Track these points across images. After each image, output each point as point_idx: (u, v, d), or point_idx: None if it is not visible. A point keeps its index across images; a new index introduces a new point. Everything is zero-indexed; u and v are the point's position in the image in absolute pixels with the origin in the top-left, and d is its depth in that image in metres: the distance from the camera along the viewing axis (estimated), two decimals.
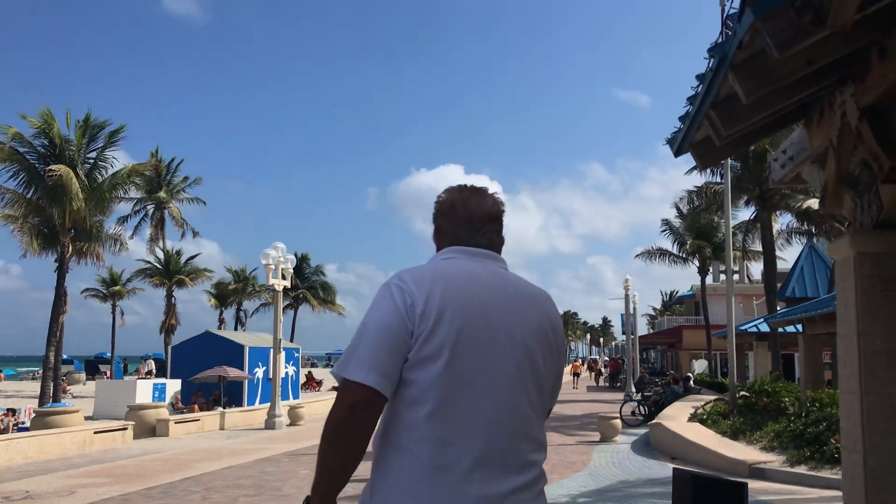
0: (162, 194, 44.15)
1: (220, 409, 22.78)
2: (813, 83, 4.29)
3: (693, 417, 16.86)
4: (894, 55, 3.65)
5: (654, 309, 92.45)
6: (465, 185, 2.37)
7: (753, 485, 10.36)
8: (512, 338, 2.03)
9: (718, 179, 26.51)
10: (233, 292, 54.82)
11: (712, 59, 3.81)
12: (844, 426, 4.27)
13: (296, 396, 29.77)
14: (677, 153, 5.35)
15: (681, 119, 4.87)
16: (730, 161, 17.70)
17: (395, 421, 1.94)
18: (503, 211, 2.37)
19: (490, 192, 2.37)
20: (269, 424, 20.48)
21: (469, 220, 2.24)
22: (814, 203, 23.23)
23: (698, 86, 4.24)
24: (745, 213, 29.99)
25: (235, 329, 52.88)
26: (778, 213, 26.31)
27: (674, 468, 4.67)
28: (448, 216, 2.28)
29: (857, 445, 4.08)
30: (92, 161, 27.03)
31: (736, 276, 36.28)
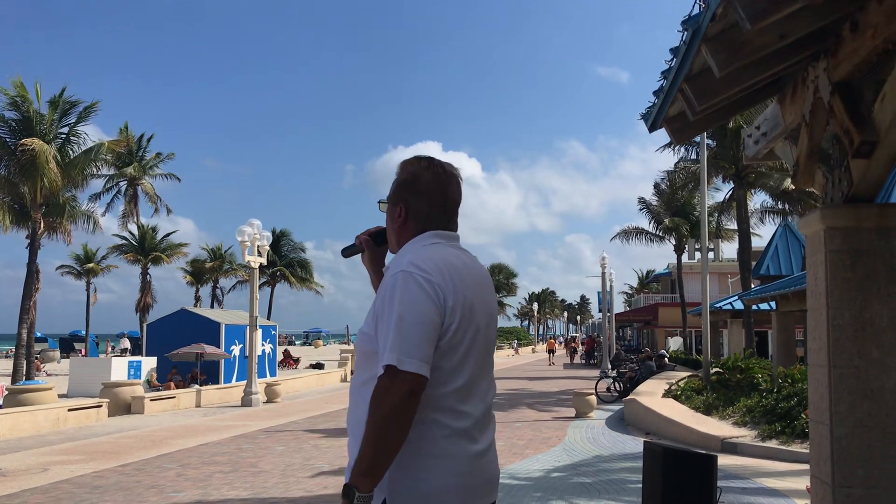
0: (131, 170, 43.53)
1: (197, 386, 22.69)
2: (786, 58, 4.29)
3: (667, 393, 17.03)
4: (865, 29, 3.66)
5: (631, 287, 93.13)
6: (436, 164, 2.42)
7: (725, 459, 10.52)
8: (491, 318, 2.32)
9: (695, 157, 26.64)
10: (209, 270, 54.41)
11: (686, 32, 3.80)
12: (812, 398, 4.33)
13: (273, 374, 29.70)
14: (651, 128, 5.35)
15: (655, 94, 4.87)
16: (706, 139, 17.77)
17: (423, 397, 2.10)
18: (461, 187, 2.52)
19: (454, 168, 2.45)
20: (246, 402, 20.44)
21: (444, 206, 2.36)
22: (790, 182, 23.40)
23: (672, 59, 4.23)
24: (722, 193, 30.21)
25: (212, 307, 52.59)
26: (753, 191, 26.49)
27: (644, 441, 4.71)
28: (424, 198, 2.34)
29: (824, 417, 4.13)
30: (64, 136, 26.62)
31: (711, 255, 36.57)
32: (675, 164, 28.05)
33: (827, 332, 4.09)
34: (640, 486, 8.81)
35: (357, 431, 2.15)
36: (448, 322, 2.13)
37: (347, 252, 2.76)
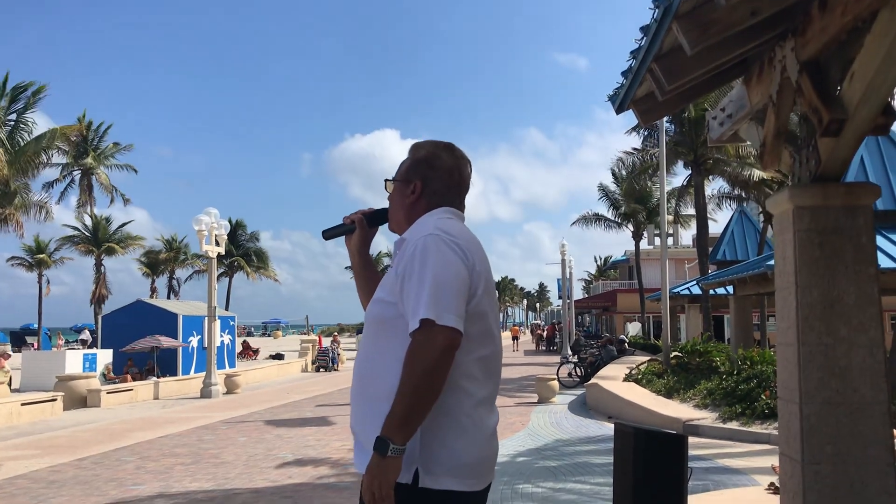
0: (89, 160, 42.61)
1: (154, 378, 22.32)
2: (754, 37, 4.29)
3: (628, 378, 17.20)
4: (834, 7, 3.65)
5: (589, 274, 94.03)
6: (453, 147, 2.54)
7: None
8: (495, 290, 2.42)
9: (655, 143, 26.87)
10: (164, 260, 53.57)
11: (657, 10, 3.76)
12: (781, 377, 4.35)
13: (232, 365, 29.35)
14: (619, 110, 5.32)
15: (623, 74, 4.84)
16: (665, 124, 17.90)
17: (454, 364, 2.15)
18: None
19: (463, 155, 2.57)
20: (205, 393, 20.17)
21: (460, 188, 2.49)
22: (753, 173, 23.73)
23: (642, 38, 4.20)
24: (680, 179, 30.53)
25: (168, 298, 51.78)
26: (710, 177, 26.81)
27: (615, 423, 4.71)
28: (442, 176, 2.45)
29: (793, 396, 4.15)
30: (13, 123, 25.87)
31: (670, 241, 37.02)
32: (638, 149, 28.23)
33: (796, 310, 4.11)
34: (605, 468, 8.90)
35: (364, 407, 2.20)
36: (475, 286, 2.19)
37: (330, 233, 2.70)
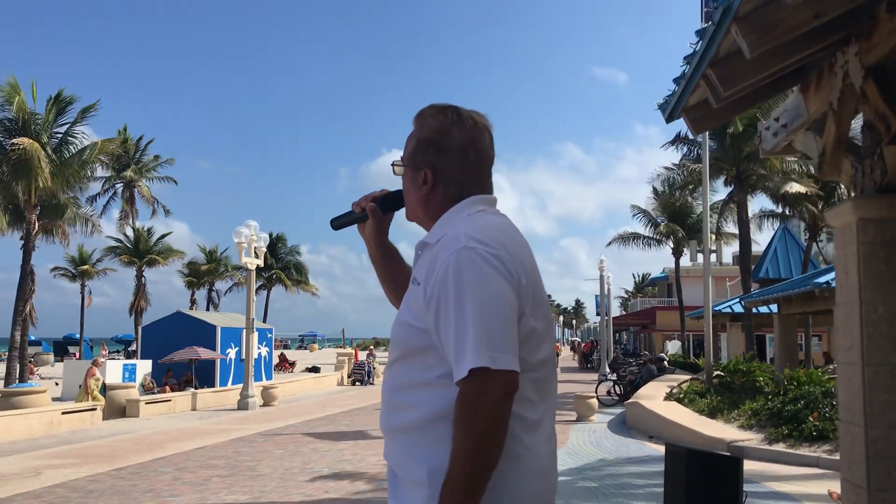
0: (130, 173, 43.30)
1: (192, 389, 22.44)
2: (815, 42, 4.11)
3: (669, 397, 16.85)
4: None
5: (626, 291, 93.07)
6: (465, 115, 1.99)
7: None
8: (545, 297, 1.96)
9: (696, 157, 26.48)
10: (205, 272, 54.15)
11: (716, 11, 3.61)
12: (843, 399, 4.13)
13: (269, 377, 29.44)
14: (669, 118, 5.16)
15: (675, 80, 4.68)
16: (707, 139, 17.61)
17: None
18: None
19: (482, 117, 2.03)
20: (242, 405, 20.19)
21: (481, 166, 1.98)
22: (792, 186, 23.25)
23: (697, 42, 4.05)
24: (720, 195, 30.06)
25: (207, 310, 52.30)
26: (753, 194, 26.33)
27: (666, 444, 4.52)
28: (456, 159, 1.95)
29: (857, 418, 3.94)
30: (60, 136, 26.33)
31: (713, 257, 36.34)
32: (678, 163, 27.85)
33: (860, 328, 3.91)
34: (648, 489, 8.64)
35: (395, 440, 1.89)
36: (523, 303, 1.79)
37: (339, 222, 2.32)
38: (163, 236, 48.01)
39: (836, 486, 8.39)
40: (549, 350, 1.93)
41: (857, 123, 4.79)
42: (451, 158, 1.95)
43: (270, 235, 50.38)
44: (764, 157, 5.94)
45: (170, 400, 19.98)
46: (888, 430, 3.81)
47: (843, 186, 24.81)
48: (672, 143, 27.01)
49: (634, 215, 37.82)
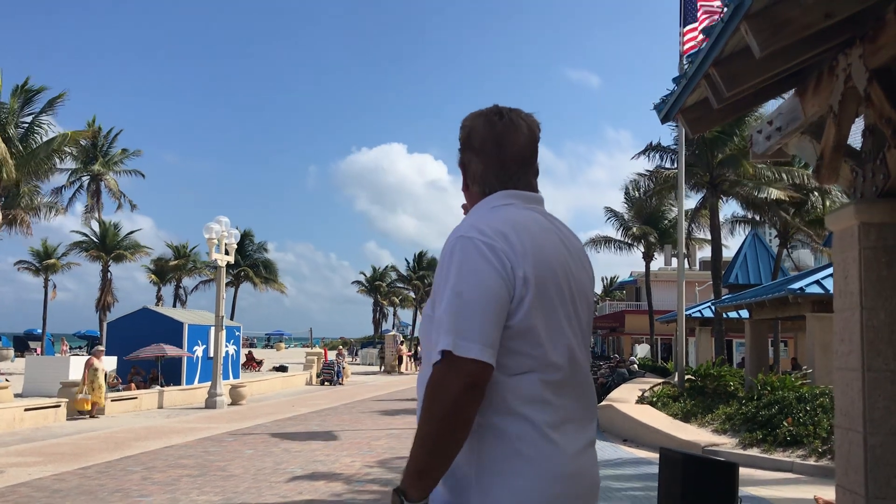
0: (97, 166, 42.53)
1: (159, 387, 22.05)
2: (819, 43, 4.06)
3: (641, 400, 16.87)
4: None
5: (595, 294, 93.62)
6: (493, 111, 2.02)
7: None
8: (583, 296, 1.94)
9: (668, 165, 26.64)
10: (172, 268, 53.43)
11: (726, 8, 3.54)
12: (840, 404, 4.09)
13: (236, 376, 29.04)
14: (665, 119, 5.10)
15: (675, 80, 4.62)
16: (683, 144, 17.68)
17: (499, 388, 1.77)
18: (538, 138, 2.05)
19: (523, 114, 2.02)
20: (210, 403, 19.89)
21: (503, 162, 1.97)
22: (770, 192, 23.45)
23: (702, 41, 3.98)
24: (691, 202, 30.28)
25: (174, 306, 51.59)
26: (724, 200, 26.53)
27: (661, 449, 4.45)
28: (479, 155, 1.99)
29: (855, 424, 3.90)
30: (27, 126, 25.72)
31: (685, 262, 36.61)
32: (648, 170, 27.99)
33: (860, 333, 3.86)
34: (627, 493, 8.60)
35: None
36: (520, 295, 1.75)
37: None
38: (131, 232, 47.33)
39: (812, 491, 8.42)
40: (573, 352, 1.87)
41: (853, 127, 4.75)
42: (474, 155, 1.99)
43: (238, 231, 49.85)
44: (755, 160, 5.89)
45: (136, 398, 19.60)
46: (888, 437, 3.77)
47: (816, 194, 25.14)
48: (643, 152, 27.11)
49: (608, 218, 37.96)
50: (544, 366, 1.79)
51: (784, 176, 23.84)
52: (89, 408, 17.12)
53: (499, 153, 1.96)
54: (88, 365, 17.66)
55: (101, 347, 19.27)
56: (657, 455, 10.17)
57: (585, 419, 1.90)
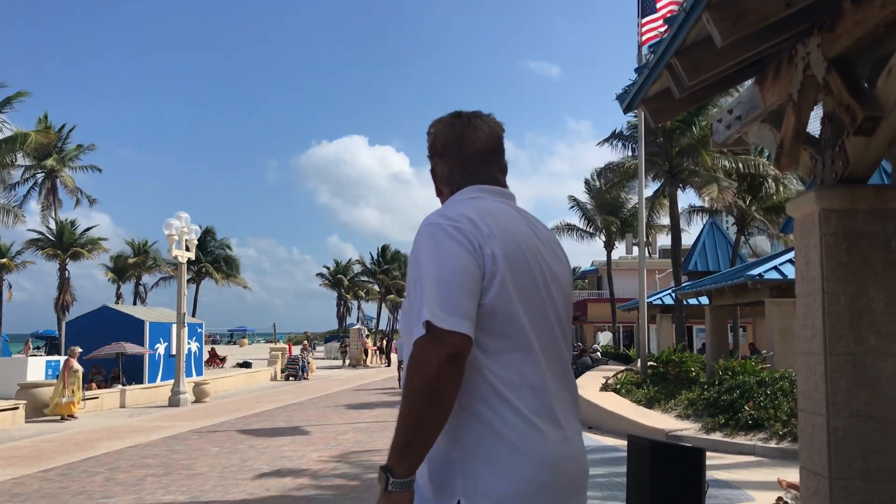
0: (52, 162, 41.60)
1: (120, 386, 21.72)
2: (778, 33, 4.11)
3: (605, 387, 17.05)
4: (872, 0, 3.49)
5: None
6: (454, 115, 2.09)
7: None
8: (556, 281, 1.96)
9: (630, 154, 26.87)
10: (132, 266, 52.60)
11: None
12: (804, 388, 4.16)
13: (199, 373, 28.69)
14: (628, 108, 5.14)
15: (637, 70, 4.65)
16: (643, 134, 17.85)
17: (482, 372, 1.78)
18: (502, 137, 2.12)
19: (484, 116, 2.09)
20: (174, 402, 19.65)
21: (466, 160, 2.04)
22: (726, 194, 23.82)
23: (665, 30, 4.00)
24: (652, 190, 30.60)
25: (134, 304, 50.81)
26: (683, 189, 26.87)
27: (629, 436, 4.49)
28: (444, 158, 2.06)
29: (818, 408, 3.97)
30: None
31: (637, 250, 37.05)
32: (610, 162, 28.25)
33: (822, 318, 3.93)
34: (593, 479, 8.68)
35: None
36: (490, 272, 1.78)
37: None
38: (88, 229, 46.41)
39: (774, 474, 8.57)
40: (553, 336, 1.91)
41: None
42: (440, 159, 2.07)
43: (199, 227, 49.26)
44: (715, 148, 5.96)
45: (97, 397, 19.27)
46: (850, 420, 3.85)
47: (770, 181, 25.57)
48: (608, 139, 27.35)
49: (571, 207, 38.28)
50: (526, 347, 1.82)
51: (741, 166, 24.20)
52: (75, 409, 16.77)
53: (461, 152, 2.03)
54: (67, 367, 17.30)
55: (78, 348, 18.83)
56: (622, 442, 10.27)
57: (570, 405, 1.93)
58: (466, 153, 2.03)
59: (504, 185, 2.08)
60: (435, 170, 2.10)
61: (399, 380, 26.88)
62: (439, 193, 2.12)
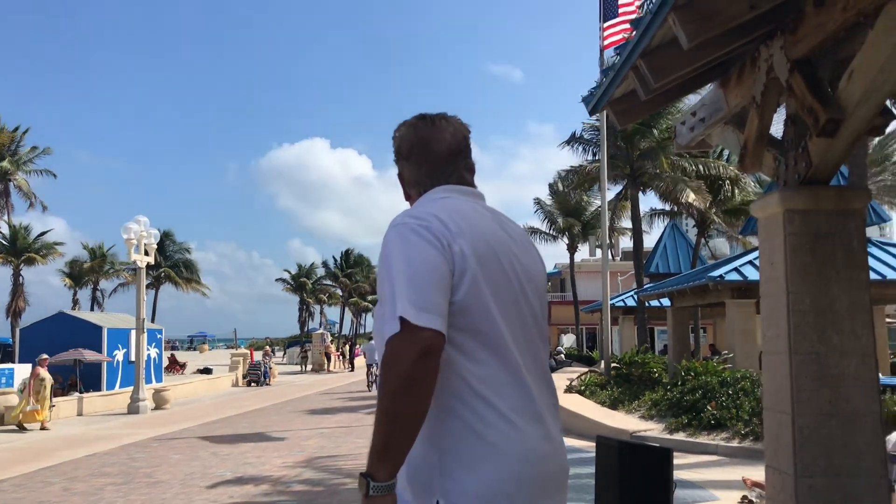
0: (6, 164, 40.68)
1: (78, 394, 21.29)
2: (742, 35, 4.15)
3: (570, 389, 17.13)
4: (834, 2, 3.53)
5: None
6: (418, 117, 2.10)
7: None
8: (530, 277, 1.96)
9: (591, 158, 27.08)
10: (89, 271, 51.64)
11: (654, 2, 3.58)
12: (768, 387, 4.21)
13: (159, 380, 28.27)
14: (593, 111, 5.16)
15: (603, 72, 4.66)
16: (605, 138, 17.99)
17: (458, 369, 1.77)
18: (467, 137, 2.12)
19: (448, 117, 2.10)
20: (133, 409, 19.32)
21: (432, 162, 2.05)
22: (688, 195, 24.11)
23: (631, 32, 4.02)
24: (614, 193, 30.89)
25: (92, 310, 49.90)
26: (644, 191, 27.16)
27: (598, 436, 4.50)
28: (410, 162, 2.07)
29: (784, 406, 4.01)
30: None
31: (600, 252, 37.42)
32: (573, 166, 28.47)
33: (787, 318, 3.97)
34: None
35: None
36: (460, 269, 1.77)
37: None
38: (43, 233, 45.47)
39: (737, 472, 8.67)
40: (529, 333, 1.90)
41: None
42: (406, 162, 2.08)
43: (159, 231, 48.58)
44: (678, 150, 6.02)
45: (54, 405, 18.83)
46: (814, 418, 3.89)
47: (727, 183, 25.96)
48: (568, 142, 27.52)
49: (536, 210, 38.52)
50: (501, 345, 1.81)
51: (701, 168, 24.54)
52: (41, 419, 16.33)
53: (427, 154, 2.03)
54: (34, 375, 16.88)
55: (45, 356, 18.38)
56: (588, 443, 10.27)
57: (549, 402, 1.92)
58: (433, 154, 2.03)
59: (472, 185, 2.08)
60: (402, 173, 2.11)
61: (369, 382, 26.98)
62: (408, 197, 2.12)
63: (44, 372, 16.94)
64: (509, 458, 1.75)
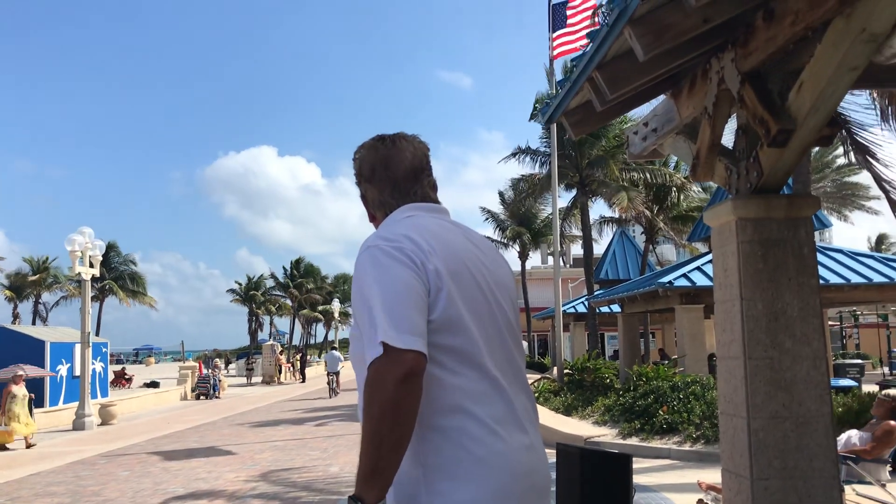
0: None
1: None
2: (695, 48, 4.24)
3: None
4: (783, 17, 3.63)
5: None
6: (376, 139, 2.12)
7: None
8: (502, 289, 2.00)
9: (537, 169, 27.33)
10: (31, 283, 50.30)
11: (610, 13, 3.64)
12: (724, 391, 4.29)
13: (105, 394, 27.61)
14: (549, 121, 5.21)
15: (560, 83, 4.72)
16: (555, 147, 18.18)
17: (439, 387, 1.79)
18: (427, 155, 2.15)
19: (408, 136, 2.13)
20: (78, 425, 18.83)
21: (395, 182, 2.07)
22: (635, 203, 24.50)
23: (587, 45, 4.08)
24: (563, 201, 31.22)
25: (33, 324, 48.60)
26: (592, 199, 27.51)
27: (557, 444, 4.53)
28: (373, 184, 2.09)
29: (739, 410, 4.09)
30: None
31: (552, 260, 37.79)
32: (523, 175, 28.69)
33: (741, 323, 4.06)
34: None
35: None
36: (435, 287, 1.80)
37: None
38: None
39: (690, 476, 8.82)
40: (506, 344, 1.93)
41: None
42: (369, 184, 2.10)
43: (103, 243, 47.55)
44: (631, 160, 6.11)
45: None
46: (768, 421, 3.98)
47: (674, 191, 26.45)
48: (513, 155, 27.68)
49: (486, 219, 38.69)
50: (479, 357, 1.83)
51: (649, 176, 24.97)
52: (24, 434, 15.72)
53: (389, 174, 2.06)
54: (6, 393, 16.30)
55: (21, 372, 17.75)
56: (546, 450, 10.36)
57: (530, 410, 1.95)
58: (395, 174, 2.06)
59: (437, 202, 2.11)
60: (366, 195, 2.13)
61: (329, 389, 27.02)
62: (372, 218, 2.15)
63: (16, 388, 16.44)
64: (496, 471, 1.77)
